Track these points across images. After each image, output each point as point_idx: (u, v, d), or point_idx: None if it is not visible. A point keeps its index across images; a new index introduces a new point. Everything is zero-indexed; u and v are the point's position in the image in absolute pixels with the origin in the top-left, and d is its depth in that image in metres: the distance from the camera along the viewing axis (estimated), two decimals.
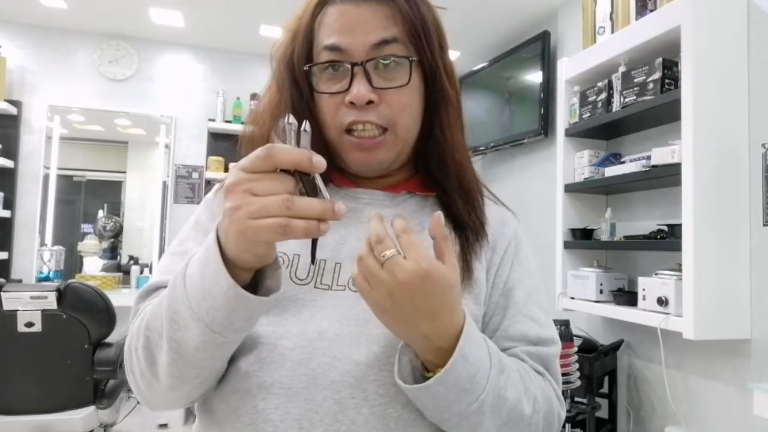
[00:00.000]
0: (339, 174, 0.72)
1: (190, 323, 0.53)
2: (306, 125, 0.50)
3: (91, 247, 3.65)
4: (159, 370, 0.58)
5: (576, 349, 1.98)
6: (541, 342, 0.69)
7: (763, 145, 1.72)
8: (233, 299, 0.51)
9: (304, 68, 0.67)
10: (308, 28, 0.68)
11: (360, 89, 0.63)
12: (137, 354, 0.60)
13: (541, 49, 2.93)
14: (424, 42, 0.66)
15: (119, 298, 2.62)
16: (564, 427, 2.02)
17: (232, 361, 0.63)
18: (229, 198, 0.48)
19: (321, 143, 0.67)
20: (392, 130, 0.65)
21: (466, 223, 0.70)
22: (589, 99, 2.27)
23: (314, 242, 0.54)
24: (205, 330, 0.53)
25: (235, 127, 3.66)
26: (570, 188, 2.34)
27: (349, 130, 0.65)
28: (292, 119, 0.49)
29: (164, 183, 3.72)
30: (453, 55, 0.81)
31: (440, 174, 0.71)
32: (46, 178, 3.53)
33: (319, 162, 0.48)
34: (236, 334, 0.56)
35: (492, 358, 0.59)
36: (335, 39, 0.64)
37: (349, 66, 0.63)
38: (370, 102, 0.63)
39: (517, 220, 0.78)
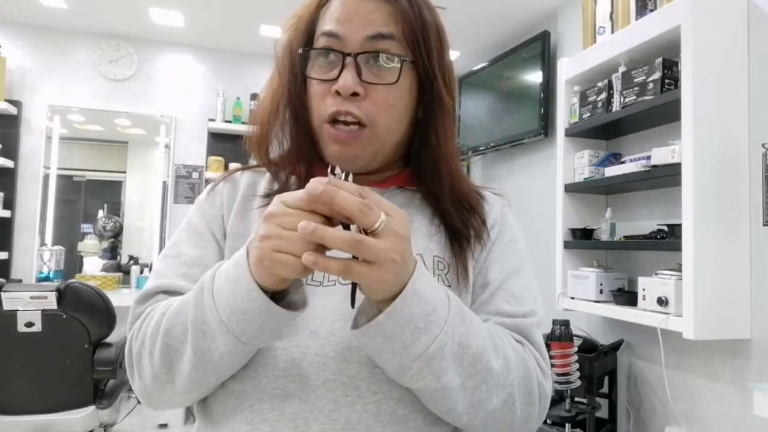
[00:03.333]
0: (325, 169, 0.72)
1: (219, 334, 0.55)
2: (350, 176, 0.52)
3: (91, 247, 3.65)
4: (176, 376, 0.60)
5: (576, 349, 1.98)
6: (518, 315, 0.67)
7: (763, 145, 1.72)
8: (266, 314, 0.53)
9: (299, 51, 0.68)
10: (313, 16, 0.69)
11: (347, 79, 0.63)
12: (152, 359, 0.61)
13: (541, 49, 2.93)
14: (421, 45, 0.66)
15: (119, 298, 2.62)
16: (564, 427, 2.02)
17: None
18: (264, 225, 0.50)
19: (309, 133, 0.69)
20: (371, 127, 0.65)
21: (460, 231, 0.70)
22: (589, 99, 2.26)
23: (354, 286, 0.55)
24: (234, 341, 0.55)
25: (235, 127, 3.66)
26: (570, 188, 2.34)
27: (331, 122, 0.65)
28: (338, 170, 0.51)
29: (164, 183, 3.72)
30: (453, 55, 0.81)
31: (433, 182, 0.71)
32: (46, 178, 3.53)
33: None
34: (263, 344, 0.59)
35: (451, 302, 0.56)
36: (333, 26, 0.65)
37: (342, 56, 0.64)
38: (355, 94, 0.63)
39: (504, 201, 0.77)
